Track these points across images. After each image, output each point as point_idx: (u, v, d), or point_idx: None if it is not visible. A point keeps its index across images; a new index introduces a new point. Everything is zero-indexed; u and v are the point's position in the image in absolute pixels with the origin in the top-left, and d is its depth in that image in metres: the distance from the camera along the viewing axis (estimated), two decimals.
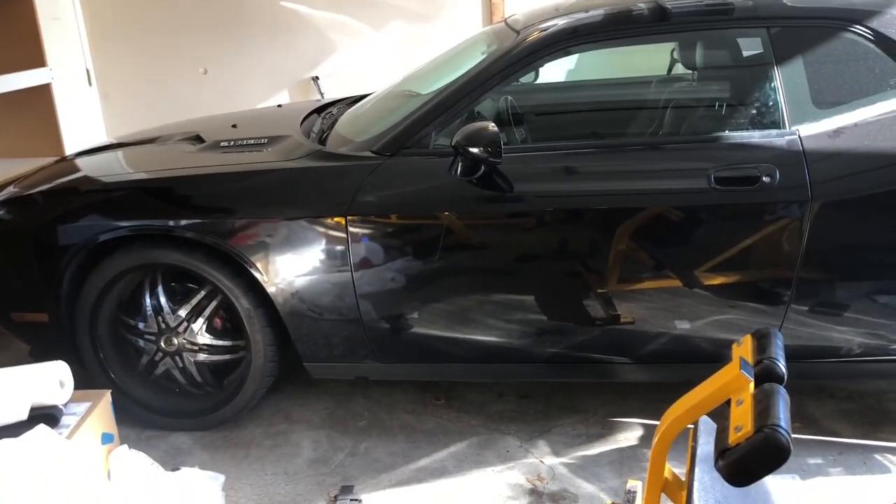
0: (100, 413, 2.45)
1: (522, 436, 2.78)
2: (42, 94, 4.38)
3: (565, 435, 2.77)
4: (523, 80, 2.94)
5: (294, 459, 2.72)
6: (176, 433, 2.88)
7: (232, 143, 2.99)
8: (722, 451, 1.43)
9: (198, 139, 3.13)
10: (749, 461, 1.35)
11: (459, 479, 2.57)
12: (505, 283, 2.60)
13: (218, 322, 2.82)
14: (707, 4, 2.80)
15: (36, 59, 4.29)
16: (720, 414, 1.61)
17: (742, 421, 1.44)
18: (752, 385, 1.53)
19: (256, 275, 2.61)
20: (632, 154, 2.54)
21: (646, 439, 2.72)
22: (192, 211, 2.64)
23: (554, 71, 3.64)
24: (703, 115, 2.79)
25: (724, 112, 2.69)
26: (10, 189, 3.11)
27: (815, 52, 2.46)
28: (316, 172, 2.62)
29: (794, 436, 1.46)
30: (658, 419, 2.79)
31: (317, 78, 5.37)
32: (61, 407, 2.37)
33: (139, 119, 5.14)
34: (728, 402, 1.56)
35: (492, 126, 2.40)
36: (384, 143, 2.60)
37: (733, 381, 1.54)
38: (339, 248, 2.56)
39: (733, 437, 1.41)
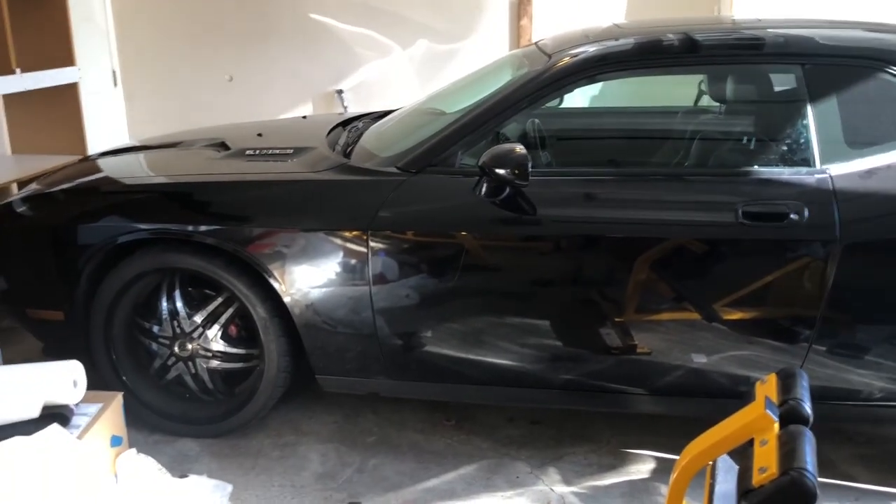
0: (111, 415, 2.44)
1: (533, 462, 2.75)
2: (69, 93, 4.41)
3: (577, 464, 2.74)
4: (549, 104, 2.93)
5: (301, 472, 2.69)
6: (184, 439, 2.86)
7: (257, 151, 2.99)
8: (745, 491, 1.40)
9: (223, 146, 3.14)
10: None
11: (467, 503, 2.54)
12: (522, 307, 2.58)
13: (233, 330, 2.81)
14: (738, 38, 2.79)
15: (65, 58, 4.33)
16: (739, 453, 1.58)
17: (766, 462, 1.41)
18: (776, 426, 1.50)
19: (274, 284, 2.60)
20: (656, 184, 2.52)
21: (658, 472, 2.68)
22: (213, 217, 2.64)
23: (580, 96, 3.64)
24: (731, 148, 2.78)
25: (752, 147, 2.67)
26: (33, 186, 3.12)
27: (848, 92, 2.44)
28: (340, 185, 2.62)
29: None
30: (672, 453, 2.75)
31: (341, 91, 5.39)
32: (73, 407, 2.36)
33: (163, 122, 5.17)
34: (751, 442, 1.53)
35: (520, 148, 2.39)
36: (410, 160, 2.60)
37: (758, 421, 1.51)
38: (359, 262, 2.55)
39: (757, 479, 1.39)
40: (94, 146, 4.50)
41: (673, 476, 1.62)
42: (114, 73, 5.47)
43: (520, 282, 2.55)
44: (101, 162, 3.26)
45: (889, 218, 2.34)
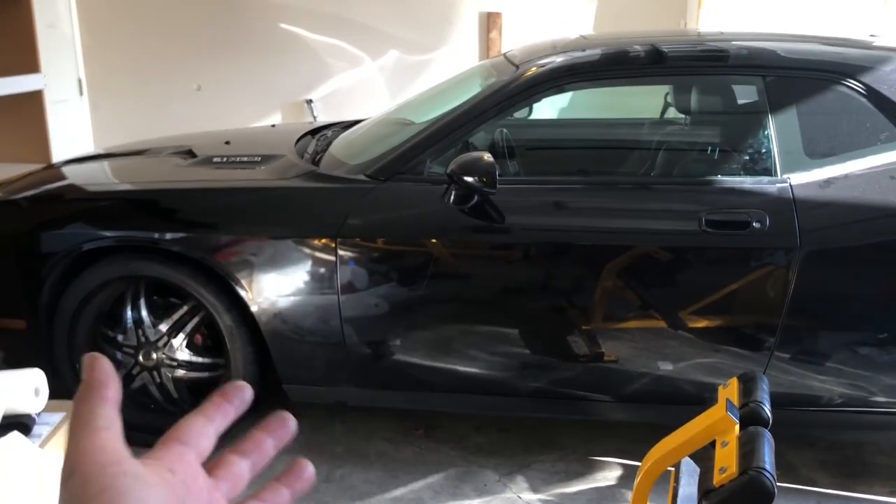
0: None
1: (501, 470, 2.75)
2: (33, 101, 4.36)
3: (544, 471, 2.75)
4: (517, 114, 2.97)
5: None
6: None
7: (225, 159, 2.98)
8: (706, 491, 1.43)
9: (190, 154, 3.12)
10: (733, 503, 1.35)
11: None
12: (490, 315, 2.59)
13: (199, 339, 2.78)
14: (702, 50, 2.85)
15: (30, 64, 4.28)
16: (701, 457, 1.60)
17: (727, 462, 1.43)
18: (737, 427, 1.53)
19: (241, 292, 2.59)
20: (623, 193, 2.56)
21: (624, 479, 2.70)
22: (180, 224, 2.63)
23: (548, 107, 3.68)
24: (696, 158, 2.82)
25: (716, 157, 2.72)
26: None
27: (808, 103, 2.50)
28: (309, 193, 2.62)
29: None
30: (637, 460, 2.76)
31: (310, 101, 5.39)
32: (34, 416, 2.32)
33: (129, 131, 5.11)
34: (713, 444, 1.55)
35: (487, 156, 2.41)
36: (379, 168, 2.60)
37: (719, 423, 1.54)
38: (327, 270, 2.54)
39: (717, 479, 1.41)
40: (58, 155, 4.45)
41: (637, 479, 1.64)
42: (79, 81, 5.41)
43: (488, 289, 2.57)
44: (66, 169, 3.22)
45: (847, 226, 2.39)
